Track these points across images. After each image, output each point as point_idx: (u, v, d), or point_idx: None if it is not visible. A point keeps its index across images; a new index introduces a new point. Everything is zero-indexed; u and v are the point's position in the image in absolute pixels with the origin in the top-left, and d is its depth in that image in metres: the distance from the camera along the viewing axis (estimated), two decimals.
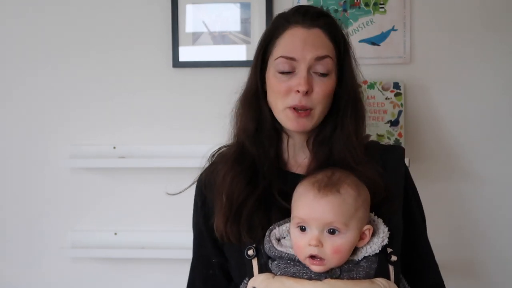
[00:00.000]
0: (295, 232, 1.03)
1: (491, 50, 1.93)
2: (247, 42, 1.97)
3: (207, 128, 1.98)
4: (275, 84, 1.14)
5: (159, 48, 2.00)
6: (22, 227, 2.06)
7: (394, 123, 1.88)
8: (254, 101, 1.18)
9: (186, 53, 1.98)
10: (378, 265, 1.03)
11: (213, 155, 1.25)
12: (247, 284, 1.08)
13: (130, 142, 2.01)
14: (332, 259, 0.99)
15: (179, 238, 1.98)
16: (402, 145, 1.86)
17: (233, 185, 1.14)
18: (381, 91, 1.90)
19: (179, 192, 1.33)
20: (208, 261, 1.25)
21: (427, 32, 1.94)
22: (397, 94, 1.89)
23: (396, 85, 1.89)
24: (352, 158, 1.14)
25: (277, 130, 1.19)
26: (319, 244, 0.98)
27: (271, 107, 1.17)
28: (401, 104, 1.89)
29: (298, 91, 1.11)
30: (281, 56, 1.13)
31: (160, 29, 2.00)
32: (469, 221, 1.96)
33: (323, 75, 1.12)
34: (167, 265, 2.02)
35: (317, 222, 0.99)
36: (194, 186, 1.29)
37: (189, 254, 2.02)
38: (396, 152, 1.24)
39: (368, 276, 1.02)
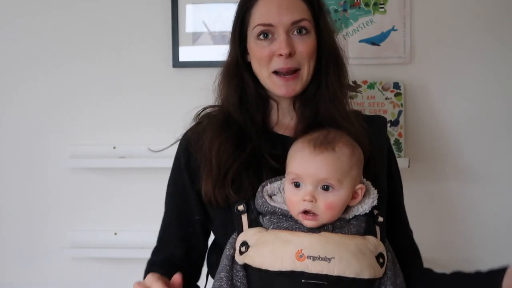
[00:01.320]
0: (289, 188, 1.04)
1: (491, 50, 1.93)
2: None
3: None
4: (256, 51, 1.15)
5: (159, 48, 2.00)
6: (22, 227, 2.06)
7: (394, 123, 1.88)
8: (235, 71, 1.21)
9: (186, 53, 1.98)
10: (366, 225, 1.05)
11: (199, 115, 1.27)
12: (235, 238, 1.08)
13: (130, 142, 2.01)
14: (325, 214, 1.00)
15: None
16: (402, 145, 1.86)
17: (221, 150, 1.14)
18: (381, 91, 1.90)
19: (163, 149, 1.36)
20: (188, 218, 1.24)
21: (427, 32, 1.94)
22: (397, 94, 1.89)
23: (396, 85, 1.89)
24: (339, 113, 1.16)
25: (262, 96, 1.20)
26: (313, 199, 1.00)
27: (257, 76, 1.19)
28: (401, 104, 1.89)
29: (280, 55, 1.12)
30: (259, 24, 1.14)
31: (160, 29, 2.00)
32: (469, 221, 1.96)
33: (303, 34, 1.14)
34: None
35: (312, 178, 1.01)
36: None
37: None
38: (378, 121, 1.27)
39: (359, 234, 1.04)
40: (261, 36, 1.14)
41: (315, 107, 1.17)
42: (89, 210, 2.05)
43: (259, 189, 1.08)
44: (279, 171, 1.10)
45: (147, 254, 1.98)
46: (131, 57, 2.02)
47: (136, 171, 2.01)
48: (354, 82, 1.85)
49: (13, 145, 2.06)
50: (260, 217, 1.07)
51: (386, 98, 1.89)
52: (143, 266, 2.03)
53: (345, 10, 1.93)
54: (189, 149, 1.24)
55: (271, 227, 1.04)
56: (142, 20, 2.01)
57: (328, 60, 1.18)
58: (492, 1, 1.93)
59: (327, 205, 1.00)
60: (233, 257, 1.06)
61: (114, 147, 2.00)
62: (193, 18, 1.98)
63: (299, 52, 1.13)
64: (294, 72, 1.14)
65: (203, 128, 1.22)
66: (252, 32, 1.16)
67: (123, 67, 2.02)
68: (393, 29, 1.93)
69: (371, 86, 1.90)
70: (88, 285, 2.06)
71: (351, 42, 1.92)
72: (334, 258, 0.97)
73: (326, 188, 1.01)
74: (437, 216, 1.92)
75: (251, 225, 1.07)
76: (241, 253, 1.04)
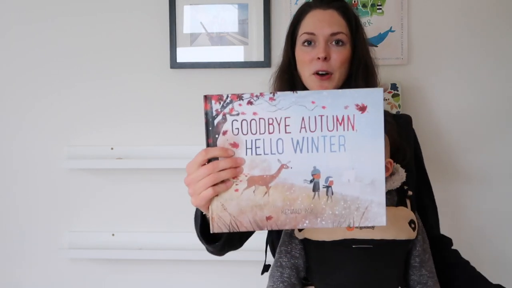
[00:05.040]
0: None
1: (488, 52, 1.94)
2: (244, 43, 1.97)
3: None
4: (301, 55, 1.38)
5: (157, 49, 2.00)
6: (20, 228, 2.06)
7: None
8: (288, 70, 1.42)
9: (184, 54, 1.98)
10: (398, 198, 1.24)
11: None
12: None
13: (128, 143, 2.01)
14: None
15: (176, 239, 1.98)
16: None
17: None
18: None
19: None
20: None
21: (425, 33, 1.94)
22: (394, 95, 1.90)
23: (394, 86, 1.90)
24: None
25: None
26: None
27: (300, 75, 1.40)
28: (399, 105, 1.89)
29: (319, 58, 1.33)
30: (304, 33, 1.37)
31: (158, 30, 2.00)
32: (467, 222, 1.97)
33: (339, 45, 1.35)
34: (164, 266, 2.03)
35: None
36: None
37: (186, 255, 2.02)
38: (404, 119, 1.47)
39: (392, 205, 1.22)
40: (306, 43, 1.37)
41: None
42: (87, 211, 2.05)
43: None
44: None
45: (145, 255, 1.99)
46: (129, 58, 2.02)
47: (134, 172, 2.01)
48: None
49: (10, 146, 2.06)
50: None
51: (383, 99, 1.89)
52: (140, 267, 2.04)
53: None
54: None
55: None
56: (139, 21, 2.01)
57: (358, 68, 1.38)
58: (488, 2, 1.93)
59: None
60: (291, 234, 1.23)
61: (112, 148, 2.00)
62: (190, 19, 1.98)
63: (334, 59, 1.34)
64: (328, 75, 1.35)
65: None
66: (299, 39, 1.38)
67: (121, 68, 2.02)
68: (390, 30, 1.93)
69: None
70: (86, 286, 2.05)
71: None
72: (375, 225, 1.11)
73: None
74: None
75: None
76: (300, 229, 1.21)
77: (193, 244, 1.96)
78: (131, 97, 2.02)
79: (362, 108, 1.00)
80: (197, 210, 1.19)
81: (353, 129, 1.00)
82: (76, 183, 2.04)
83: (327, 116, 1.00)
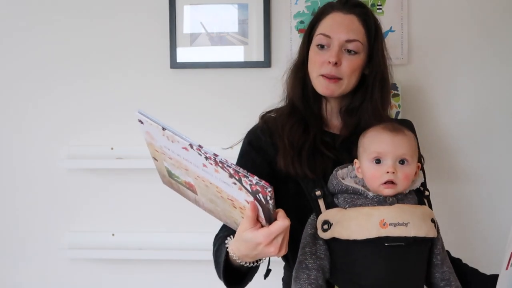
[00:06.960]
0: (370, 165, 1.24)
1: (488, 52, 1.94)
2: (244, 43, 1.97)
3: (205, 129, 1.98)
4: (313, 56, 1.37)
5: (157, 49, 2.00)
6: (20, 228, 2.06)
7: None
8: (301, 69, 1.41)
9: (184, 54, 1.98)
10: (417, 198, 1.27)
11: (263, 116, 1.45)
12: (314, 219, 1.25)
13: (128, 143, 2.01)
14: (402, 183, 1.22)
15: (176, 239, 1.98)
16: None
17: (292, 131, 1.36)
18: None
19: (231, 147, 1.52)
20: None
21: (425, 33, 1.94)
22: (394, 95, 1.90)
23: (394, 86, 1.90)
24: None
25: (318, 93, 1.39)
26: (395, 171, 1.21)
27: (309, 75, 1.39)
28: (399, 105, 1.89)
29: (329, 62, 1.33)
30: (320, 33, 1.36)
31: (158, 30, 2.00)
32: (467, 221, 1.97)
33: (352, 53, 1.34)
34: (164, 266, 2.03)
35: (392, 154, 1.22)
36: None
37: (186, 256, 2.02)
38: (408, 124, 1.47)
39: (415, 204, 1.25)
40: (319, 46, 1.36)
41: (357, 118, 1.38)
42: (87, 211, 2.05)
43: (334, 172, 1.28)
44: (331, 160, 1.32)
45: (145, 255, 1.99)
46: (129, 58, 2.02)
47: (134, 172, 2.01)
48: None
49: (10, 145, 2.06)
50: (334, 199, 1.25)
51: None
52: (140, 267, 2.04)
53: None
54: (259, 135, 1.40)
55: (347, 205, 1.22)
56: (140, 21, 2.01)
57: (375, 79, 1.38)
58: (488, 3, 1.93)
59: (404, 176, 1.22)
60: (314, 234, 1.23)
61: (112, 148, 2.00)
62: (190, 19, 1.98)
63: (344, 65, 1.34)
64: (336, 79, 1.34)
65: (274, 117, 1.42)
66: (315, 39, 1.37)
67: (121, 68, 2.02)
68: (390, 30, 1.93)
69: None
70: (86, 286, 2.05)
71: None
72: (409, 223, 1.17)
73: (402, 162, 1.22)
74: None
75: (328, 207, 1.25)
76: (324, 230, 1.21)
77: (193, 244, 1.96)
78: (131, 97, 2.02)
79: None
80: (218, 258, 1.20)
81: None
82: (76, 183, 2.04)
83: None
